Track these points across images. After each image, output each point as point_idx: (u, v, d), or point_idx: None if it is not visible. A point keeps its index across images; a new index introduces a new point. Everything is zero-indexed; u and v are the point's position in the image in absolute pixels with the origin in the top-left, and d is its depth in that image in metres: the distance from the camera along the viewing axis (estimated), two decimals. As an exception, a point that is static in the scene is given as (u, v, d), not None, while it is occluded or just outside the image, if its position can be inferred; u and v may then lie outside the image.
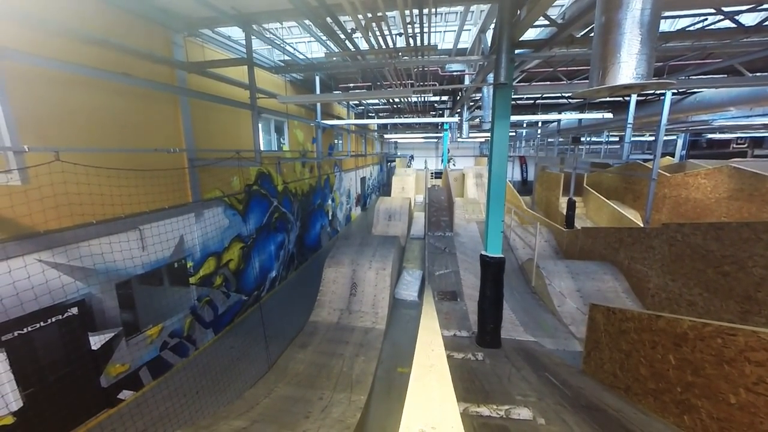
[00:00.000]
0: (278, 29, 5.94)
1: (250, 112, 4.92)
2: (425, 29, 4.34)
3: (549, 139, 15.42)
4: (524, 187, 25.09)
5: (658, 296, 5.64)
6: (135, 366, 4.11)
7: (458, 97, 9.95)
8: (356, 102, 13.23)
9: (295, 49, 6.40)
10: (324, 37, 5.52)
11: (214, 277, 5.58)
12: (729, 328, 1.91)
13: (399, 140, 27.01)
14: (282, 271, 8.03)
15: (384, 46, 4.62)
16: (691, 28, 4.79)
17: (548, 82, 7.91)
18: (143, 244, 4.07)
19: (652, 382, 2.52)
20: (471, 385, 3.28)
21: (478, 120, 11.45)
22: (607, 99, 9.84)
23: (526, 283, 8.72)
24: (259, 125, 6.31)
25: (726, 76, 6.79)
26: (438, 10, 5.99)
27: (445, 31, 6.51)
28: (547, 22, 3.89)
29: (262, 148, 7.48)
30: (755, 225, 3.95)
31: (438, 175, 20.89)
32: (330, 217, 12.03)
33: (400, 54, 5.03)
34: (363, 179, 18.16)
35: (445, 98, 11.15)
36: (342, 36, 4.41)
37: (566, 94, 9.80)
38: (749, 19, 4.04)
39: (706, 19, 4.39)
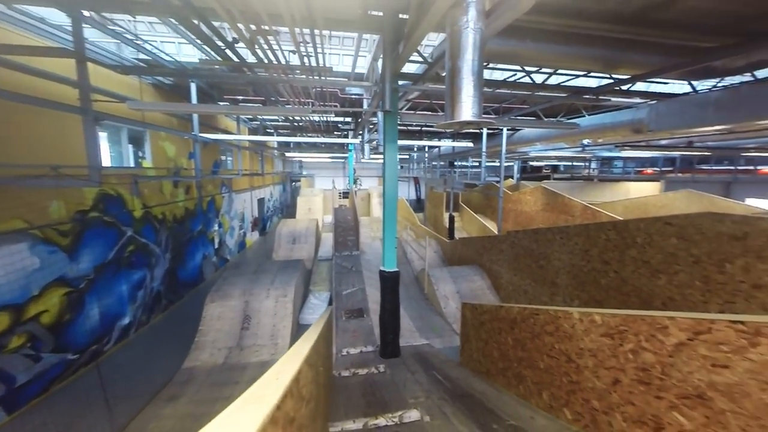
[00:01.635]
0: (132, 23, 4.92)
1: (82, 116, 3.77)
2: (319, 50, 4.40)
3: (434, 163, 18.12)
4: (419, 204, 28.34)
5: (508, 289, 7.23)
6: None
7: (359, 120, 10.49)
8: (250, 117, 12.15)
9: (158, 48, 5.41)
10: (200, 41, 4.89)
11: (9, 338, 3.88)
12: (535, 309, 2.63)
13: (304, 159, 26.19)
14: (141, 315, 6.31)
15: (275, 62, 4.42)
16: (511, 80, 6.49)
17: (427, 112, 9.30)
18: None
19: (501, 362, 3.17)
20: (372, 399, 3.33)
21: (375, 142, 12.36)
22: (471, 130, 12.29)
23: (420, 291, 9.69)
24: (100, 134, 4.94)
25: (534, 119, 9.66)
26: (336, 33, 6.23)
27: (343, 55, 6.75)
28: (421, 59, 4.53)
29: (107, 164, 5.86)
30: (553, 229, 5.64)
31: (346, 195, 21.32)
32: (216, 245, 10.37)
33: (296, 72, 4.90)
34: (261, 200, 16.58)
35: (348, 120, 11.55)
36: (221, 44, 4.01)
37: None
38: (539, 78, 5.70)
39: (515, 74, 5.96)
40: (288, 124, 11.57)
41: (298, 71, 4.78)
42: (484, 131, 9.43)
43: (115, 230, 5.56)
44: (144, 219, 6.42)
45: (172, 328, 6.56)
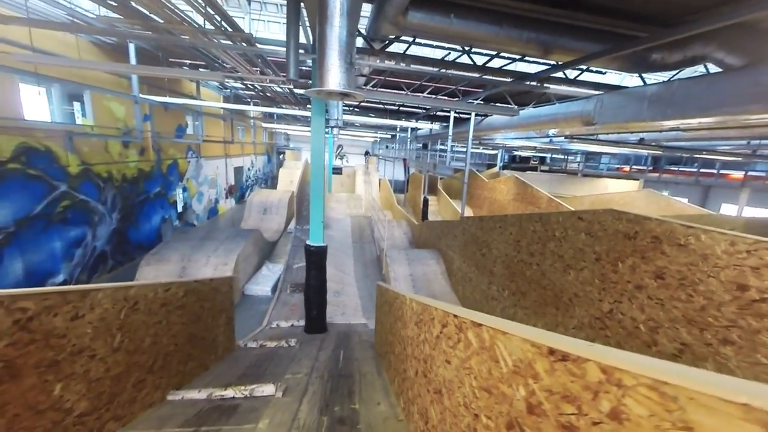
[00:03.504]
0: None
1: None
2: (226, 11, 4.12)
3: (413, 145, 17.75)
4: (407, 186, 28.09)
5: (458, 275, 7.24)
6: None
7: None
8: (218, 83, 11.69)
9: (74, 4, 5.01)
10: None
11: None
12: (397, 294, 2.58)
13: (290, 132, 25.67)
14: (80, 274, 6.33)
15: (182, 22, 4.15)
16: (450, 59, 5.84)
17: (386, 90, 8.78)
18: None
19: (386, 345, 3.18)
20: (253, 371, 3.36)
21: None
22: (443, 114, 11.77)
23: (379, 271, 9.76)
24: (20, 86, 4.76)
25: (461, 99, 8.11)
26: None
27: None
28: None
29: (40, 119, 5.67)
30: (495, 218, 5.50)
31: (337, 171, 21.64)
32: (180, 209, 10.31)
33: (214, 37, 4.61)
34: (239, 169, 16.64)
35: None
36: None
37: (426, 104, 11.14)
38: (480, 60, 5.01)
39: (449, 53, 5.31)
40: (254, 93, 11.11)
41: (211, 35, 4.49)
42: (452, 115, 9.05)
43: (43, 184, 5.43)
44: (83, 176, 6.29)
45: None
